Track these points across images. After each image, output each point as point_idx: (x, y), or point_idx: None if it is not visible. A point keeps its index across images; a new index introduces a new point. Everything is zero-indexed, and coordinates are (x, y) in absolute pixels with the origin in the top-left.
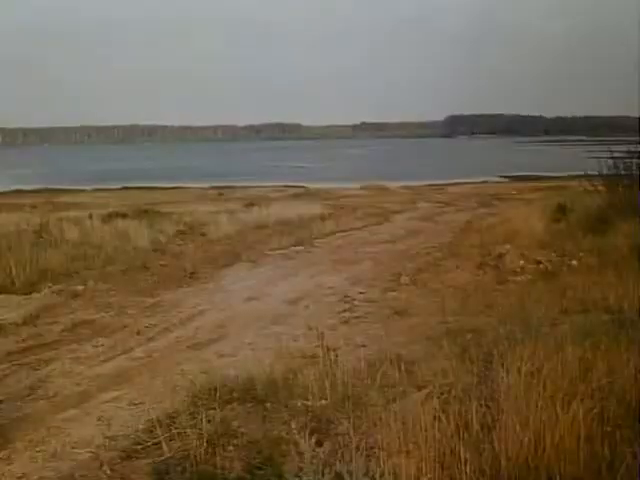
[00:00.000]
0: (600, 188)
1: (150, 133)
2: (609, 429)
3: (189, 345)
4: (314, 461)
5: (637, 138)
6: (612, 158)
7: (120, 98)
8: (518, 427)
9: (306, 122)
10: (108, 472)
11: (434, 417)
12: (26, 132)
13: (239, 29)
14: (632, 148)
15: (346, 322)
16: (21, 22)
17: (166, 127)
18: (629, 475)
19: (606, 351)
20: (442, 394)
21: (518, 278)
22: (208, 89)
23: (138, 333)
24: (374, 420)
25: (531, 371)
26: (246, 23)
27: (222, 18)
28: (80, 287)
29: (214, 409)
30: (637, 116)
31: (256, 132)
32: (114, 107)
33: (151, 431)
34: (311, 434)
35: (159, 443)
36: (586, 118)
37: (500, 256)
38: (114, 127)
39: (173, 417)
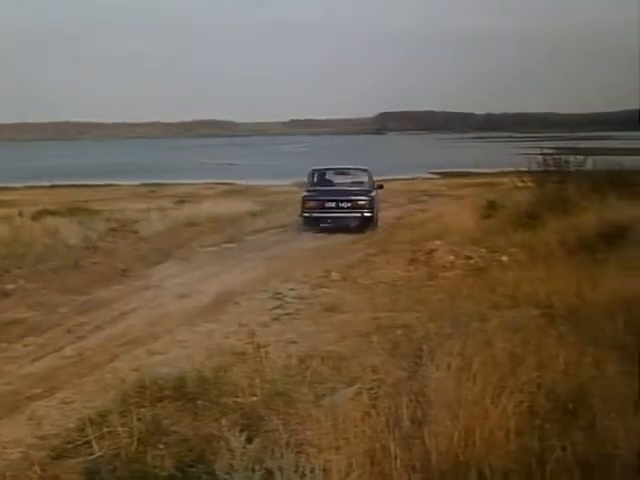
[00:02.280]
0: (530, 184)
1: (83, 130)
2: (538, 423)
3: (120, 343)
4: (244, 458)
5: (566, 134)
6: (542, 154)
7: (53, 95)
8: (448, 422)
9: (238, 119)
10: (38, 472)
11: (364, 413)
12: None
13: (173, 27)
14: (561, 144)
15: (277, 319)
16: None
17: (99, 124)
18: (559, 468)
19: (536, 346)
20: (372, 390)
21: (448, 274)
22: (141, 86)
23: (69, 331)
24: (304, 416)
25: (461, 366)
26: (179, 20)
27: (155, 15)
28: (10, 286)
29: (145, 407)
30: (565, 112)
31: (188, 129)
32: (47, 104)
33: (82, 430)
34: (242, 431)
35: (90, 442)
36: (516, 115)
37: (430, 252)
38: (47, 124)
39: (104, 416)
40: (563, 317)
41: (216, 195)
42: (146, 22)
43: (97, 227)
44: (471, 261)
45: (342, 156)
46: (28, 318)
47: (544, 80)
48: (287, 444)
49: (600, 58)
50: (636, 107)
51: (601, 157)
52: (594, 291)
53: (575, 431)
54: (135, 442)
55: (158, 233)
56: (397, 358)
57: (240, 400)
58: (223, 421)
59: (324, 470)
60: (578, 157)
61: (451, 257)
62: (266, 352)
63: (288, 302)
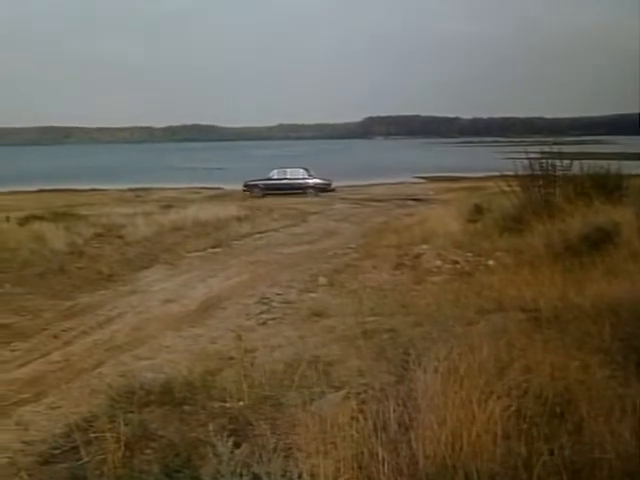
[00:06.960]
0: (516, 188)
1: (67, 134)
2: (526, 426)
3: (107, 348)
4: (232, 463)
5: (551, 139)
6: (527, 159)
7: (36, 99)
8: (435, 426)
9: (224, 124)
10: (25, 477)
11: (352, 417)
12: None
13: (158, 31)
14: (547, 149)
15: (264, 323)
16: None
17: (82, 128)
18: (546, 472)
19: (522, 350)
20: (359, 394)
21: (435, 278)
22: (125, 90)
23: (55, 337)
24: (292, 421)
25: (448, 370)
26: (166, 24)
27: (141, 19)
28: None
29: (132, 412)
30: (551, 117)
31: (172, 134)
32: (30, 108)
33: (69, 435)
34: (229, 436)
35: (77, 447)
36: (503, 119)
37: (417, 256)
38: (30, 128)
39: (91, 421)
40: (549, 321)
41: (202, 199)
42: (131, 26)
43: (83, 232)
44: (457, 265)
45: (330, 160)
46: (14, 323)
47: (531, 85)
48: (275, 449)
49: (587, 63)
50: (623, 111)
51: (587, 161)
52: (580, 295)
53: (562, 435)
54: (122, 447)
55: (144, 238)
56: (384, 362)
57: (227, 405)
58: (210, 426)
59: (312, 475)
60: (564, 161)
61: (438, 261)
62: (253, 357)
63: (274, 306)
